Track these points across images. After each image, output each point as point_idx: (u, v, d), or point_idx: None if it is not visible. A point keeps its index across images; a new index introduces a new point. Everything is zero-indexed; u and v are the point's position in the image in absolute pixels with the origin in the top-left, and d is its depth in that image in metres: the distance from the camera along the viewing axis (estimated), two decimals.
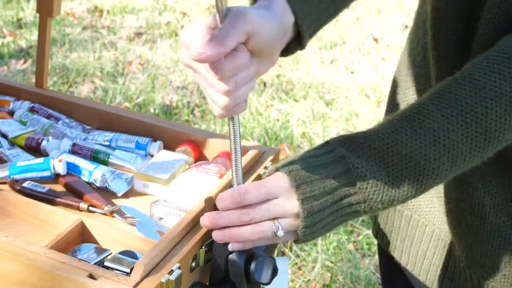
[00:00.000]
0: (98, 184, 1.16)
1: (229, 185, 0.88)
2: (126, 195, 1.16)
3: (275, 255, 0.99)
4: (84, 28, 4.14)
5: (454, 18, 0.89)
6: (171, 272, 0.86)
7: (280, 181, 0.83)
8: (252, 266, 0.87)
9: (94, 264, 0.90)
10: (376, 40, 4.16)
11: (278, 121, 3.17)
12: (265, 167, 1.12)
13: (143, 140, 1.26)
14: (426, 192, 0.84)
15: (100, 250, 0.95)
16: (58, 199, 1.11)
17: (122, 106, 3.20)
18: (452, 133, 0.80)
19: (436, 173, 0.82)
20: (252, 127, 3.07)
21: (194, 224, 0.95)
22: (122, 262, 0.90)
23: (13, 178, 1.16)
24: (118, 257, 0.92)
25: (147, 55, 3.81)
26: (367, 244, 2.40)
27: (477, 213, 0.95)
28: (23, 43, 3.86)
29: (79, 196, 1.13)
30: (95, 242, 1.00)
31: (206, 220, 0.87)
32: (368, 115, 3.27)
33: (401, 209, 1.09)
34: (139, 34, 4.13)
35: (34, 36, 3.90)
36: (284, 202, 0.83)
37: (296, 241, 0.86)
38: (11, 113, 1.38)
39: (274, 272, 0.90)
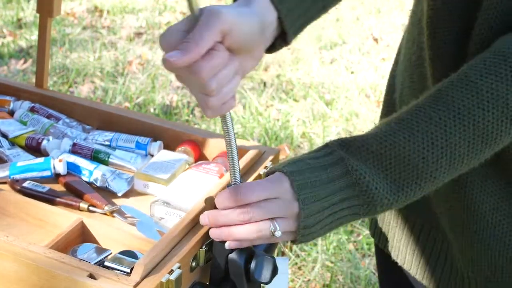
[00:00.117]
0: (98, 184, 1.16)
1: (228, 184, 0.88)
2: (126, 195, 1.16)
3: (275, 255, 0.99)
4: (84, 28, 4.14)
5: (451, 18, 0.89)
6: (171, 272, 0.86)
7: (280, 181, 0.83)
8: (252, 265, 0.88)
9: (94, 264, 0.90)
10: (376, 40, 4.16)
11: (278, 121, 3.17)
12: (265, 167, 1.12)
13: (143, 140, 1.26)
14: (424, 194, 0.84)
15: (100, 250, 0.95)
16: (58, 199, 1.11)
17: (122, 106, 3.20)
18: (449, 136, 0.80)
19: (434, 176, 0.82)
20: (252, 127, 3.07)
21: (194, 224, 0.95)
22: (122, 262, 0.90)
23: (13, 178, 1.16)
24: (118, 257, 0.92)
25: (147, 55, 3.81)
26: (367, 244, 2.40)
27: (473, 213, 0.95)
28: (23, 43, 3.86)
29: (79, 196, 1.13)
30: (95, 242, 1.00)
31: (206, 219, 0.87)
32: (368, 115, 3.27)
33: (398, 209, 1.09)
34: (139, 34, 4.13)
35: (34, 36, 3.90)
36: (283, 202, 0.83)
37: (293, 242, 0.86)
38: (11, 113, 1.38)
39: (274, 271, 0.90)
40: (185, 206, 1.05)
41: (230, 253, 0.88)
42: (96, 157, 1.23)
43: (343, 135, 3.09)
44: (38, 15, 1.43)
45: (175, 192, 1.08)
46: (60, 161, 1.17)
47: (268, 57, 3.75)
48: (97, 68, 3.60)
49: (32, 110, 1.37)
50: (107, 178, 1.16)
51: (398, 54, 1.11)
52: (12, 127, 1.31)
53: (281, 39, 0.88)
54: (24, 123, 1.33)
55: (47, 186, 1.14)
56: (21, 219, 1.06)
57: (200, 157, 1.24)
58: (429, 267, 1.06)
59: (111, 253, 0.95)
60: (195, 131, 1.28)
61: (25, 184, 1.14)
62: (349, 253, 2.35)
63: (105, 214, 1.09)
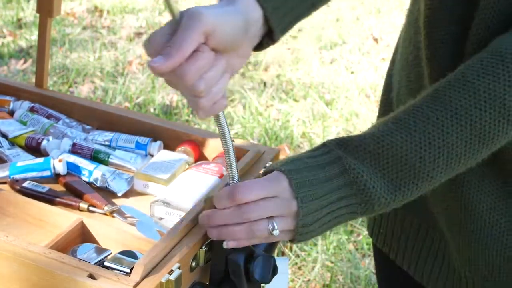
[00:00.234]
0: (98, 184, 1.16)
1: (226, 183, 0.88)
2: (126, 195, 1.16)
3: (275, 255, 0.99)
4: (84, 28, 4.14)
5: (448, 18, 0.89)
6: (171, 272, 0.86)
7: (278, 180, 0.83)
8: (252, 265, 0.88)
9: (94, 264, 0.90)
10: (376, 40, 4.16)
11: (278, 121, 3.17)
12: (265, 167, 1.12)
13: (143, 140, 1.26)
14: (421, 194, 0.84)
15: (100, 250, 0.95)
16: (58, 199, 1.11)
17: (122, 106, 3.21)
18: (447, 136, 0.80)
19: (431, 176, 0.82)
20: (252, 127, 3.07)
21: (194, 224, 0.95)
22: (122, 262, 0.91)
23: (13, 178, 1.16)
24: (118, 257, 0.92)
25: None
26: (367, 244, 2.40)
27: (470, 213, 0.95)
28: (23, 43, 3.86)
29: (79, 196, 1.13)
30: (95, 242, 1.00)
31: (204, 218, 0.87)
32: (368, 115, 3.27)
33: (396, 208, 1.10)
34: (139, 34, 4.13)
35: (34, 36, 3.90)
36: (282, 201, 0.83)
37: (292, 241, 0.86)
38: (11, 113, 1.38)
39: (274, 271, 0.90)
40: (185, 206, 1.05)
41: (230, 253, 0.88)
42: (96, 157, 1.23)
43: (343, 135, 3.08)
44: (38, 15, 1.43)
45: (175, 192, 1.08)
46: (60, 161, 1.17)
47: (268, 57, 3.76)
48: (97, 68, 3.60)
49: (32, 110, 1.37)
50: (107, 178, 1.16)
51: (395, 53, 1.11)
52: (12, 127, 1.31)
53: (268, 37, 0.88)
54: (24, 123, 1.33)
55: (47, 186, 1.14)
56: (21, 219, 1.06)
57: (200, 157, 1.24)
58: (427, 267, 1.06)
59: (111, 253, 0.95)
60: (195, 131, 1.28)
61: (25, 184, 1.14)
62: (349, 253, 2.35)
63: (105, 214, 1.09)
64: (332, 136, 3.04)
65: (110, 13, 4.38)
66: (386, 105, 1.11)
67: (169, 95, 3.35)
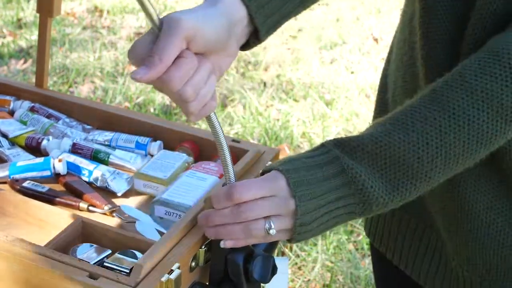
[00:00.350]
0: (98, 183, 1.16)
1: (223, 183, 0.88)
2: (126, 195, 1.16)
3: (275, 255, 0.99)
4: (84, 28, 4.14)
5: (444, 18, 0.89)
6: (171, 272, 0.86)
7: (276, 179, 0.83)
8: (251, 265, 0.88)
9: (94, 264, 0.90)
10: (376, 40, 4.16)
11: (278, 121, 3.17)
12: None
13: (143, 140, 1.26)
14: (419, 194, 0.84)
15: (100, 250, 0.95)
16: (58, 199, 1.11)
17: (122, 106, 3.21)
18: (444, 136, 0.80)
19: (429, 176, 0.82)
20: (252, 127, 3.07)
21: (194, 224, 0.95)
22: (122, 262, 0.91)
23: (13, 177, 1.16)
24: (118, 257, 0.92)
25: None
26: (367, 244, 2.40)
27: (467, 212, 0.95)
28: (23, 43, 3.87)
29: (79, 195, 1.13)
30: (95, 242, 1.00)
31: (202, 218, 0.87)
32: (368, 115, 3.27)
33: (393, 208, 1.10)
34: (139, 34, 4.13)
35: (34, 36, 3.90)
36: (280, 200, 0.83)
37: (289, 240, 0.86)
38: (11, 113, 1.38)
39: (274, 271, 0.90)
40: (185, 206, 1.05)
41: (229, 253, 0.88)
42: (96, 157, 1.23)
43: (343, 135, 3.09)
44: (38, 15, 1.43)
45: (175, 192, 1.08)
46: (60, 161, 1.17)
47: (268, 57, 3.76)
48: (97, 68, 3.60)
49: (32, 110, 1.37)
50: (107, 178, 1.16)
51: (390, 53, 1.11)
52: (12, 127, 1.31)
53: (254, 37, 0.87)
54: (24, 123, 1.33)
55: (47, 186, 1.14)
56: (21, 219, 1.07)
57: (200, 157, 1.24)
58: (424, 266, 1.06)
59: (110, 253, 0.95)
60: (195, 131, 1.28)
61: (25, 184, 1.14)
62: (349, 253, 2.35)
63: (105, 214, 1.09)
64: (332, 136, 3.04)
65: (110, 13, 4.38)
66: (381, 105, 1.11)
67: None
